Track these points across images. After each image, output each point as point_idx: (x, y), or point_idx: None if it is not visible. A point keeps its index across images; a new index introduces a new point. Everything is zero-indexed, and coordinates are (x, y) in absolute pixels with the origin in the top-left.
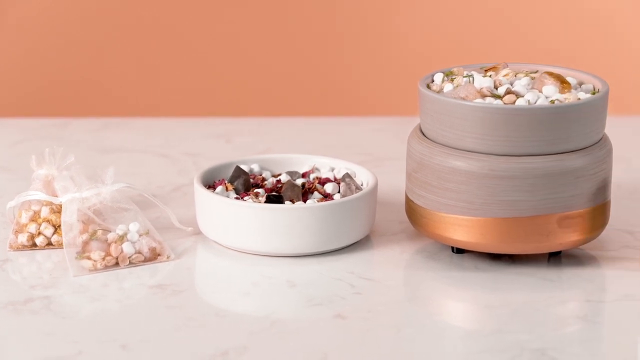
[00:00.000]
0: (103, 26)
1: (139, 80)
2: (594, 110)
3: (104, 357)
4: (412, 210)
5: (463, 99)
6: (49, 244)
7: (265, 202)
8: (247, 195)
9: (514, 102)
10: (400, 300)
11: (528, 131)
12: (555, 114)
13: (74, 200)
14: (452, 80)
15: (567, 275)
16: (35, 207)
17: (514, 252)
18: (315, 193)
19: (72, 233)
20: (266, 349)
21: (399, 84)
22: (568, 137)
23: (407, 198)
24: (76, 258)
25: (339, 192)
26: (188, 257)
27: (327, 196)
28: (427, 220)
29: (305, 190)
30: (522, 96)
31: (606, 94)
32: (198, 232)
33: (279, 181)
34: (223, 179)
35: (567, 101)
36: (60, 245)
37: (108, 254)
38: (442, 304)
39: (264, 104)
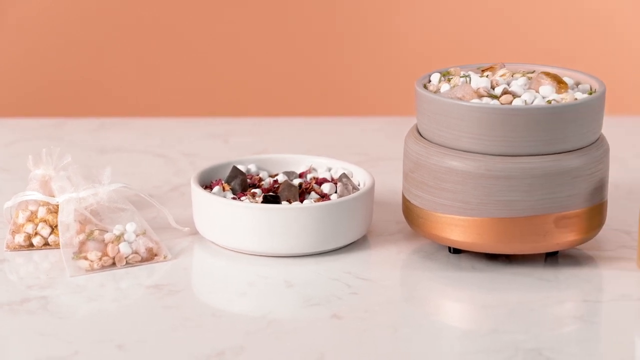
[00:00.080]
0: (101, 26)
1: (137, 80)
2: (591, 110)
3: (101, 357)
4: (409, 211)
5: (460, 99)
6: (46, 244)
7: (262, 202)
8: (244, 195)
9: (511, 102)
10: (397, 301)
11: (525, 131)
12: (552, 114)
13: (71, 200)
14: (449, 80)
15: (564, 275)
16: (32, 207)
17: (510, 252)
18: (312, 193)
19: (69, 233)
20: (263, 349)
21: (398, 84)
22: (565, 137)
23: (404, 198)
24: (73, 258)
25: (335, 192)
26: (185, 257)
27: (324, 196)
28: (424, 221)
29: (302, 190)
30: (519, 96)
31: (603, 94)
32: (195, 232)
33: (276, 181)
34: (220, 179)
35: (564, 101)
36: (57, 246)
37: (105, 254)
38: (439, 304)
39: (262, 104)
